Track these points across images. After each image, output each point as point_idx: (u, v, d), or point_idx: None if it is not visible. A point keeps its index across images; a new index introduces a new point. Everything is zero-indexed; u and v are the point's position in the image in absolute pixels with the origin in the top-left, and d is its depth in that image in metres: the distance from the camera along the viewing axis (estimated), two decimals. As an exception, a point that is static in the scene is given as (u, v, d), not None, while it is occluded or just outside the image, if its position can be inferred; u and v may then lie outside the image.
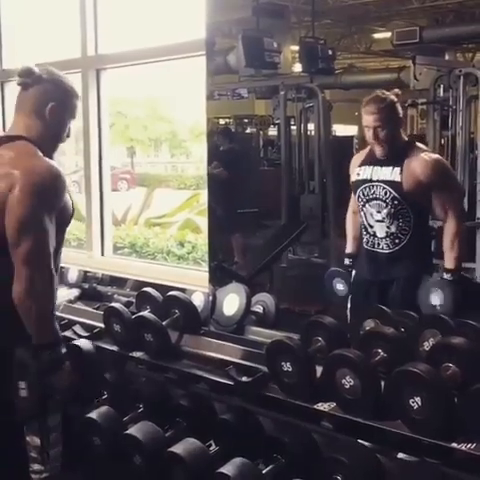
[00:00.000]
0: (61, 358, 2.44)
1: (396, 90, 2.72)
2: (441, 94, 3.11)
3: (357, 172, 2.80)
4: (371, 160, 2.77)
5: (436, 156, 2.81)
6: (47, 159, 2.42)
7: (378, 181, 2.71)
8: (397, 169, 2.67)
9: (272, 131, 4.43)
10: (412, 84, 3.09)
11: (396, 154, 2.69)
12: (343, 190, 3.46)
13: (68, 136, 2.58)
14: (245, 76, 3.82)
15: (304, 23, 3.89)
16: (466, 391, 2.03)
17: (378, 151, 2.71)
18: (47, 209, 2.35)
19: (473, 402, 1.98)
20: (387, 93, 2.71)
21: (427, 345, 2.41)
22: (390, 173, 2.69)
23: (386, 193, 2.69)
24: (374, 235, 2.76)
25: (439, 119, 3.14)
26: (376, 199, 2.72)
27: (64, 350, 2.46)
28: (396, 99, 2.69)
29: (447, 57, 3.50)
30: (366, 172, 2.77)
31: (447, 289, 2.61)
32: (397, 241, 2.72)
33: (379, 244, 2.75)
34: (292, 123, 3.88)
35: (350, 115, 3.89)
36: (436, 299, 2.61)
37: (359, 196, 2.79)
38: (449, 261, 2.64)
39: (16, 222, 2.29)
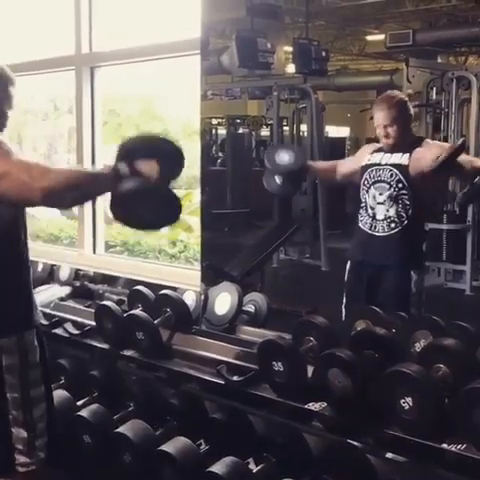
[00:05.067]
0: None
1: (409, 91, 2.78)
2: (434, 97, 3.13)
3: (368, 158, 2.86)
4: (383, 149, 2.83)
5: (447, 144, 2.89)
6: None
7: (386, 164, 2.78)
8: (406, 155, 2.73)
9: (264, 131, 4.44)
10: (405, 87, 3.11)
11: (407, 143, 2.75)
12: (334, 191, 3.48)
13: (5, 126, 2.51)
14: (238, 76, 3.83)
15: (298, 24, 3.91)
16: (457, 392, 2.04)
17: (388, 147, 2.77)
18: None
19: (464, 403, 1.99)
20: (397, 92, 2.80)
21: (418, 346, 2.43)
22: (399, 158, 2.75)
23: (392, 175, 2.75)
24: (373, 217, 2.80)
25: (431, 122, 3.16)
26: (381, 181, 2.78)
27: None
28: (406, 98, 2.78)
29: (440, 60, 3.52)
30: (377, 158, 2.83)
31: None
32: (393, 225, 2.76)
33: (376, 227, 2.80)
34: (285, 124, 3.90)
35: (343, 117, 3.92)
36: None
37: (366, 179, 2.84)
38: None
39: None
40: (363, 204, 2.85)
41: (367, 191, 2.84)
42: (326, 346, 2.40)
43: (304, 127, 3.83)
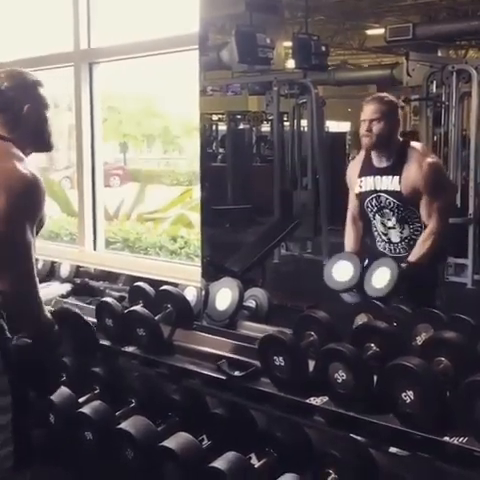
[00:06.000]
0: None
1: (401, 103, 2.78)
2: (434, 90, 3.12)
3: (359, 184, 2.82)
4: (370, 169, 2.79)
5: (431, 161, 2.80)
6: (26, 165, 2.30)
7: (381, 191, 2.75)
8: (396, 178, 2.70)
9: (265, 127, 4.43)
10: (405, 80, 3.10)
11: (392, 158, 2.72)
12: (336, 186, 3.47)
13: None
14: (238, 72, 3.82)
15: (297, 19, 3.89)
16: (458, 385, 2.03)
17: (368, 145, 2.73)
18: (29, 221, 2.27)
19: (465, 396, 1.99)
20: (391, 97, 2.77)
21: (420, 339, 2.43)
22: (390, 182, 2.72)
23: (390, 203, 2.73)
24: (389, 242, 2.79)
25: (432, 116, 3.15)
26: (384, 208, 2.76)
27: None
28: (398, 104, 2.75)
29: (440, 54, 3.51)
30: (368, 183, 2.79)
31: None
32: (412, 243, 2.74)
33: (396, 249, 2.79)
34: (285, 119, 3.89)
35: (343, 111, 3.90)
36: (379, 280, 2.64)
37: (368, 207, 2.82)
38: (412, 254, 2.67)
39: None
40: (374, 229, 2.84)
41: (373, 218, 2.81)
42: (327, 340, 2.39)
43: (304, 122, 3.82)
